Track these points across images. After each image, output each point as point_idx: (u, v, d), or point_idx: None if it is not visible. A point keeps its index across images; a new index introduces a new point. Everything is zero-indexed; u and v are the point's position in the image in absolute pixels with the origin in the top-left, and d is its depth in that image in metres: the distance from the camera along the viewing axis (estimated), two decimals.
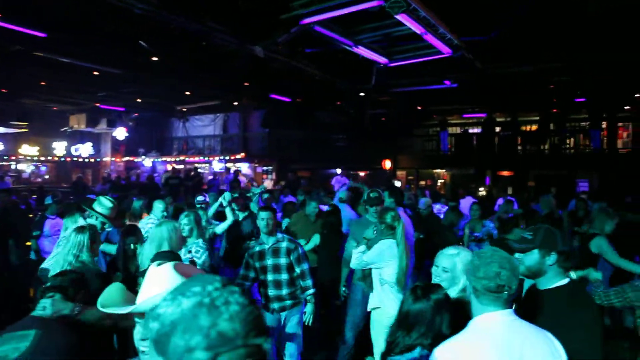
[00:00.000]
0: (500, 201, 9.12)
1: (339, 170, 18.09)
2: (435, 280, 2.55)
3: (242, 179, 15.36)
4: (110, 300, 1.68)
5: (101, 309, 1.64)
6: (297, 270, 4.29)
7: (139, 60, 10.98)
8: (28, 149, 19.74)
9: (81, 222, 4.49)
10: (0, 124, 18.04)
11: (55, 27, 8.75)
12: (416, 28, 8.14)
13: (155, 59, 10.93)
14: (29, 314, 2.33)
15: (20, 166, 19.90)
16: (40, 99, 17.19)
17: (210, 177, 18.43)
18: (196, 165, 19.86)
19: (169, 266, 1.56)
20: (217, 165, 19.92)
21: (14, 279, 6.48)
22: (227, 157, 19.30)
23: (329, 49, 10.29)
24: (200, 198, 6.81)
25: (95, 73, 12.53)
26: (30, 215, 7.63)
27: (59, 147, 20.67)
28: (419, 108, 19.34)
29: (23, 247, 6.70)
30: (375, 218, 4.34)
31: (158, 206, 5.78)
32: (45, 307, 2.35)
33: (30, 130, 18.63)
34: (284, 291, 4.26)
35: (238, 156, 18.85)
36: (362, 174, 20.56)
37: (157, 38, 9.49)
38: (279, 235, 4.38)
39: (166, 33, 8.87)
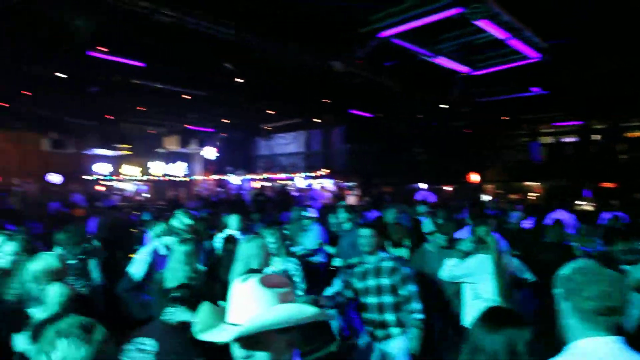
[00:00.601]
0: (606, 215, 8.32)
1: (424, 185, 17.71)
2: None
3: (325, 194, 15.52)
4: (206, 324, 1.59)
5: (202, 337, 1.53)
6: (403, 292, 3.85)
7: (224, 82, 11.55)
8: (129, 169, 21.49)
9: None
10: (106, 147, 19.89)
11: (153, 56, 9.51)
12: (499, 33, 7.82)
13: (239, 80, 11.44)
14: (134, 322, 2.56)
15: (123, 185, 21.61)
16: (138, 123, 18.68)
17: (296, 194, 18.82)
18: (282, 182, 20.41)
19: (255, 281, 1.52)
20: (301, 182, 20.31)
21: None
22: (310, 174, 19.62)
23: (408, 61, 10.18)
24: (302, 212, 6.96)
25: (186, 97, 13.38)
26: (133, 230, 8.20)
27: (155, 167, 22.24)
28: (505, 118, 18.49)
29: (127, 259, 7.21)
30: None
31: (233, 221, 5.92)
32: (171, 314, 2.61)
33: (130, 152, 20.33)
34: (389, 316, 3.85)
35: (320, 173, 19.09)
36: (447, 188, 19.96)
37: (241, 60, 9.97)
38: (382, 254, 4.06)
39: (248, 55, 9.31)
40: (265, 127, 20.64)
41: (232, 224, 5.89)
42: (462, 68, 10.34)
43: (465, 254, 3.92)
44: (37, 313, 2.88)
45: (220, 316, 1.57)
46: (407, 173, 18.35)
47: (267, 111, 16.48)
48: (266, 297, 1.48)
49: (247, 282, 1.53)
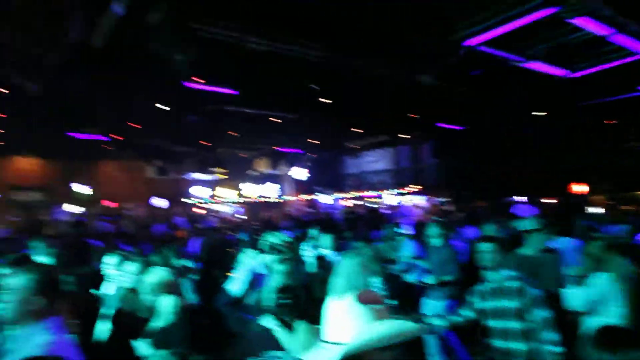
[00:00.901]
0: None
1: (522, 198, 16.71)
2: None
3: (417, 211, 15.20)
4: (304, 343, 1.55)
5: (301, 357, 1.53)
6: (533, 317, 3.31)
7: (311, 103, 11.83)
8: (224, 192, 22.66)
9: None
10: (203, 172, 21.21)
11: (244, 83, 10.00)
12: (601, 30, 7.23)
13: (326, 100, 11.65)
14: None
15: (219, 207, 22.77)
16: (231, 147, 19.70)
17: (386, 211, 18.64)
18: (371, 199, 20.36)
19: (352, 297, 1.49)
20: (391, 199, 20.09)
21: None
22: (400, 191, 19.36)
23: (498, 69, 9.76)
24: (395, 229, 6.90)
25: (275, 120, 13.89)
26: (230, 250, 8.56)
27: (248, 189, 23.23)
28: (610, 122, 17.01)
29: (225, 277, 7.54)
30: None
31: (326, 240, 5.93)
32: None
33: (225, 176, 21.50)
34: (515, 345, 3.33)
35: (410, 189, 18.78)
36: (548, 200, 18.66)
37: (327, 79, 10.17)
38: (506, 272, 3.56)
39: (335, 74, 9.46)
40: (353, 146, 20.77)
41: (325, 242, 5.93)
42: (559, 71, 9.69)
43: (580, 275, 3.52)
44: (154, 322, 3.13)
45: (316, 335, 1.56)
46: (503, 186, 17.44)
47: (354, 130, 16.59)
48: (363, 314, 1.45)
49: (343, 299, 1.51)
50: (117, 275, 4.15)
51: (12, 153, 18.83)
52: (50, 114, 11.68)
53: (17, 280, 2.08)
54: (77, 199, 20.15)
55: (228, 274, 7.15)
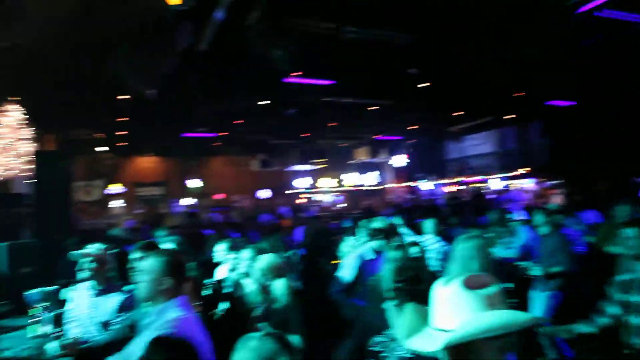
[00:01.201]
0: None
1: None
2: None
3: (525, 195, 14.35)
4: (411, 328, 1.49)
5: (408, 344, 1.48)
6: None
7: (409, 88, 11.60)
8: (325, 182, 23.13)
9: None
10: (305, 163, 21.84)
11: (340, 73, 10.08)
12: None
13: (424, 85, 11.36)
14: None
15: (321, 197, 23.28)
16: (331, 138, 20.00)
17: (492, 196, 17.81)
18: (476, 184, 19.56)
19: (458, 283, 1.44)
20: (497, 184, 19.15)
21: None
22: (507, 174, 18.37)
23: (614, 35, 8.78)
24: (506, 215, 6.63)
25: (373, 108, 13.85)
26: (334, 238, 8.73)
27: (348, 178, 23.46)
28: None
29: (330, 265, 7.72)
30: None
31: (429, 225, 5.80)
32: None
33: (325, 166, 21.93)
34: None
35: (518, 172, 17.74)
36: None
37: (424, 63, 9.90)
38: None
39: (432, 57, 9.19)
40: (454, 130, 20.05)
41: (428, 228, 5.82)
42: None
43: None
44: (268, 305, 3.30)
45: (424, 319, 1.52)
46: (623, 165, 15.76)
47: (456, 113, 16.01)
48: (472, 300, 1.40)
49: (450, 285, 1.46)
50: (229, 261, 4.45)
51: (135, 153, 20.81)
52: (166, 116, 12.72)
53: (149, 263, 2.33)
54: (190, 192, 21.82)
55: (333, 261, 7.32)
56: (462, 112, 15.99)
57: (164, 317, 2.23)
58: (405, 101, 13.04)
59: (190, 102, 11.72)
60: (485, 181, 19.69)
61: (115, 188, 20.62)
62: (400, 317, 1.59)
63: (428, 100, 12.95)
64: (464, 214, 10.43)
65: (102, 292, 3.40)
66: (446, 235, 5.91)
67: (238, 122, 15.01)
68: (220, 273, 4.59)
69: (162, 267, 2.31)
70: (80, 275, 3.49)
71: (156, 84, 9.28)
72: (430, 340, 1.41)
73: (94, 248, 3.45)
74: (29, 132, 9.47)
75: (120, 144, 17.40)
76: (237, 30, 7.51)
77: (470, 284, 1.43)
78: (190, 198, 21.52)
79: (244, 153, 21.68)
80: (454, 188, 20.40)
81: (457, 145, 21.97)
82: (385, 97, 12.72)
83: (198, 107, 12.43)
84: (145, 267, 2.35)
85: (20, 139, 9.15)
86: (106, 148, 17.97)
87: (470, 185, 19.41)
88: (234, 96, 11.72)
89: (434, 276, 2.14)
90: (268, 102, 12.64)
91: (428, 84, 11.30)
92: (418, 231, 6.17)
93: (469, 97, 13.31)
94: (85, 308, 3.43)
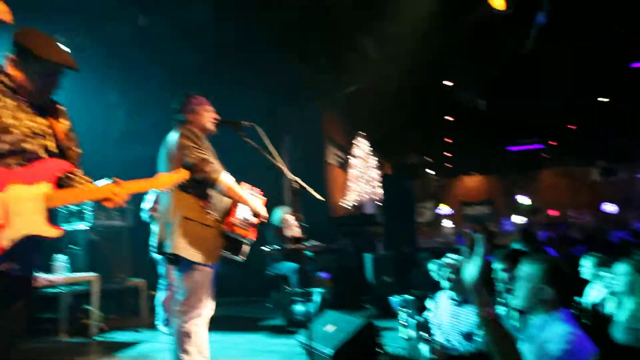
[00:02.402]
0: None
1: None
2: None
3: None
4: None
5: None
6: None
7: None
8: None
9: None
10: None
11: None
12: None
13: None
14: None
15: None
16: None
17: None
18: None
19: None
20: None
21: None
22: None
23: None
24: None
25: None
26: None
27: None
28: None
29: None
30: None
31: None
32: None
33: None
34: None
35: None
36: None
37: None
38: None
39: None
40: None
41: None
42: None
43: None
44: None
45: None
46: None
47: None
48: None
49: None
50: (599, 279, 3.86)
51: (460, 173, 21.33)
52: (491, 130, 12.56)
53: (527, 269, 2.17)
54: (520, 209, 20.79)
55: None
56: None
57: (549, 331, 2.02)
58: None
59: (515, 110, 11.25)
60: None
61: (444, 208, 21.46)
62: None
63: None
64: None
65: (462, 303, 3.43)
66: None
67: (571, 126, 13.52)
68: (592, 293, 4.01)
69: (541, 275, 2.12)
70: (441, 284, 3.61)
71: (485, 93, 9.36)
72: None
73: (453, 258, 3.52)
74: (374, 160, 10.81)
75: (447, 165, 18.12)
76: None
77: None
78: (520, 215, 20.51)
79: (579, 161, 19.27)
80: None
81: None
82: None
83: (524, 114, 11.79)
84: (522, 274, 2.20)
85: (368, 167, 10.52)
86: (433, 172, 19.02)
87: None
88: (565, 95, 10.60)
89: None
90: (606, 99, 10.99)
91: None
92: None
93: None
94: (447, 317, 3.51)
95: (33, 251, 1.90)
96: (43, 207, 1.78)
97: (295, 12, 6.29)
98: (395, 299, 5.44)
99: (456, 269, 3.47)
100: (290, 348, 4.17)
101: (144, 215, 5.10)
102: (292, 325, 4.98)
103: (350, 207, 9.95)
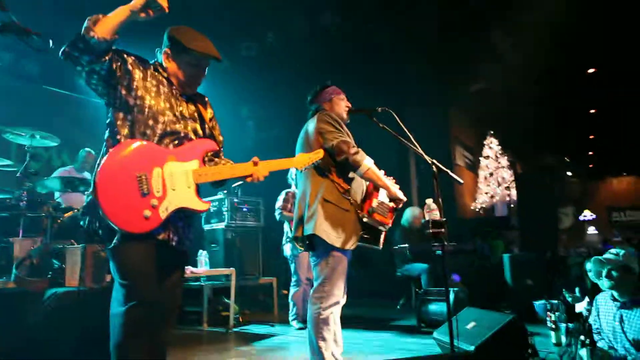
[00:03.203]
0: None
1: None
2: None
3: None
4: None
5: None
6: None
7: None
8: None
9: None
10: None
11: None
12: None
13: None
14: None
15: None
16: None
17: None
18: None
19: None
20: None
21: None
22: None
23: None
24: None
25: None
26: None
27: None
28: None
29: None
30: None
31: None
32: None
33: None
34: None
35: None
36: None
37: None
38: None
39: None
40: None
41: None
42: None
43: None
44: None
45: None
46: None
47: None
48: None
49: None
50: None
51: (605, 175, 19.12)
52: None
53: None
54: None
55: None
56: None
57: None
58: None
59: None
60: None
61: (587, 214, 19.37)
62: None
63: None
64: None
65: (628, 304, 2.96)
66: None
67: None
68: None
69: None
70: (600, 286, 3.18)
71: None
72: None
73: (614, 254, 3.09)
74: (504, 160, 10.12)
75: (588, 165, 16.37)
76: None
77: None
78: None
79: None
80: None
81: None
82: None
83: None
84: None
85: (498, 167, 9.87)
86: (570, 173, 17.28)
87: None
88: None
89: None
90: None
91: None
92: None
93: None
94: (609, 320, 3.08)
95: (186, 225, 2.05)
96: (193, 182, 1.92)
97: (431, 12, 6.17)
98: (539, 303, 4.98)
99: (619, 266, 3.03)
100: (425, 346, 3.99)
101: (278, 216, 5.30)
102: (424, 325, 4.80)
103: (479, 210, 9.42)
